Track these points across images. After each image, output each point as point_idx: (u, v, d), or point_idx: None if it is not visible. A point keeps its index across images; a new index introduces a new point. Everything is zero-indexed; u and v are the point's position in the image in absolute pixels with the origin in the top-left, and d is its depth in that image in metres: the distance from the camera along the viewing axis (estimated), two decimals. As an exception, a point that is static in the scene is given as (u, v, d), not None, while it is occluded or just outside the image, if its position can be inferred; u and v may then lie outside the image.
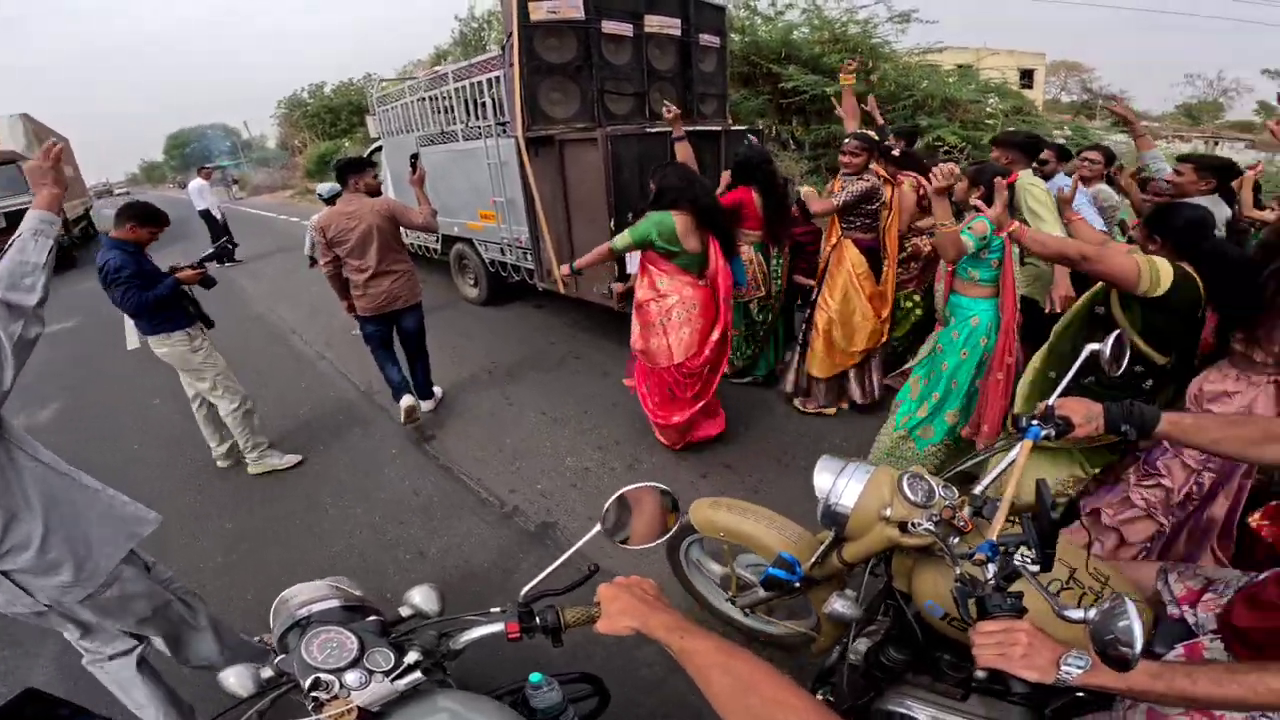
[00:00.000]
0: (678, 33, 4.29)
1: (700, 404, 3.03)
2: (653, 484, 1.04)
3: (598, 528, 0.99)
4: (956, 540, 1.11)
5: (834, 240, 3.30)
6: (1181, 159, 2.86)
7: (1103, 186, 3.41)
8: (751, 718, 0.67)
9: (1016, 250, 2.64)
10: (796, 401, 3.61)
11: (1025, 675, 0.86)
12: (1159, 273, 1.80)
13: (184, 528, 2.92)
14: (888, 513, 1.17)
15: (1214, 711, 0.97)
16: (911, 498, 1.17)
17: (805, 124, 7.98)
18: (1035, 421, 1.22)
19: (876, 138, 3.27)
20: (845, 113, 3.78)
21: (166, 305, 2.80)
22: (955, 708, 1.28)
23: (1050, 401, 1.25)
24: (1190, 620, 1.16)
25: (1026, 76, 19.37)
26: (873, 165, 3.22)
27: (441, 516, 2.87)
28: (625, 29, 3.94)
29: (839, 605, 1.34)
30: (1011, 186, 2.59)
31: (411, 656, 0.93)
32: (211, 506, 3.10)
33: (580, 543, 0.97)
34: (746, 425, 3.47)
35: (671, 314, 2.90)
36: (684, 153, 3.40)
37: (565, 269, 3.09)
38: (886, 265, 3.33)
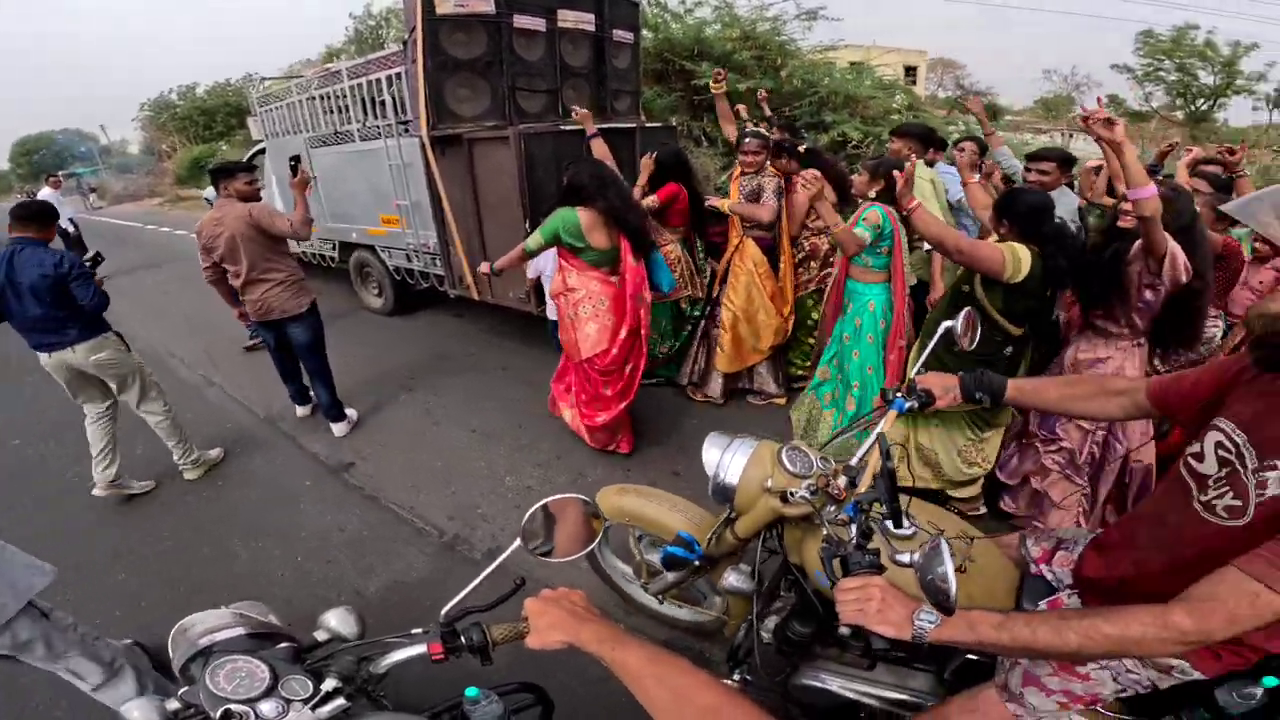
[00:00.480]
0: (592, 28, 4.33)
1: (624, 403, 3.11)
2: (573, 495, 1.04)
3: (518, 543, 0.98)
4: (833, 509, 1.21)
5: (736, 240, 3.43)
6: (1033, 156, 3.16)
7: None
8: None
9: (906, 238, 2.92)
10: (689, 390, 3.87)
11: (881, 630, 0.91)
12: (1020, 260, 2.07)
13: (66, 584, 2.58)
14: (769, 484, 1.26)
15: (1078, 668, 1.10)
16: (791, 469, 1.26)
17: (716, 122, 8.18)
18: (900, 394, 1.37)
19: (771, 135, 3.44)
20: (720, 117, 4.00)
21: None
22: (863, 676, 1.40)
23: (912, 375, 1.42)
24: (1050, 577, 1.31)
25: (910, 73, 21.03)
26: (769, 164, 3.38)
27: (375, 552, 2.72)
28: (538, 24, 3.94)
29: (733, 579, 1.44)
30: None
31: (330, 683, 0.92)
32: (101, 555, 2.77)
33: (501, 559, 0.95)
34: (696, 432, 3.50)
35: (579, 309, 2.96)
36: (600, 150, 3.46)
37: (486, 266, 3.11)
38: (783, 262, 3.51)
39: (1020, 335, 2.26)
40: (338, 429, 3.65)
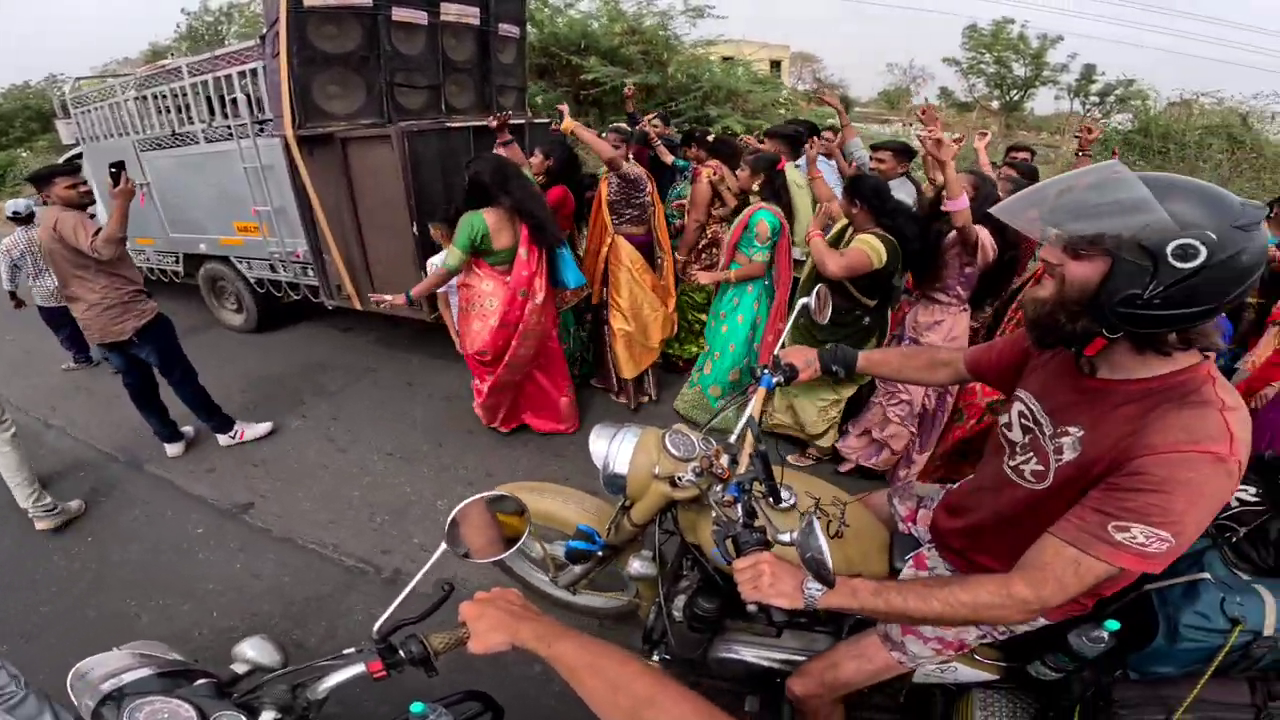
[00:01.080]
0: (476, 22, 4.21)
1: (499, 392, 3.25)
2: (493, 492, 1.03)
3: (443, 547, 0.97)
4: (720, 488, 1.30)
5: (607, 240, 3.44)
6: (875, 147, 3.61)
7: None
8: (623, 715, 0.70)
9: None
10: (620, 399, 3.84)
11: (777, 602, 0.98)
12: (879, 251, 2.42)
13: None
14: (657, 470, 1.32)
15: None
16: (675, 453, 1.33)
17: (602, 117, 8.25)
18: (767, 370, 1.49)
19: (630, 129, 3.55)
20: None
21: None
22: (773, 644, 1.51)
23: (776, 352, 1.55)
24: (915, 534, 1.47)
25: (776, 68, 22.23)
26: (630, 156, 3.47)
27: (307, 598, 2.46)
28: (418, 17, 3.78)
29: (637, 565, 1.48)
30: (781, 173, 3.08)
31: (268, 716, 0.88)
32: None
33: (427, 566, 0.94)
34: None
35: (469, 304, 3.05)
36: (516, 157, 3.35)
37: (399, 299, 3.03)
38: (663, 258, 3.58)
39: (874, 305, 2.66)
40: (224, 439, 3.43)
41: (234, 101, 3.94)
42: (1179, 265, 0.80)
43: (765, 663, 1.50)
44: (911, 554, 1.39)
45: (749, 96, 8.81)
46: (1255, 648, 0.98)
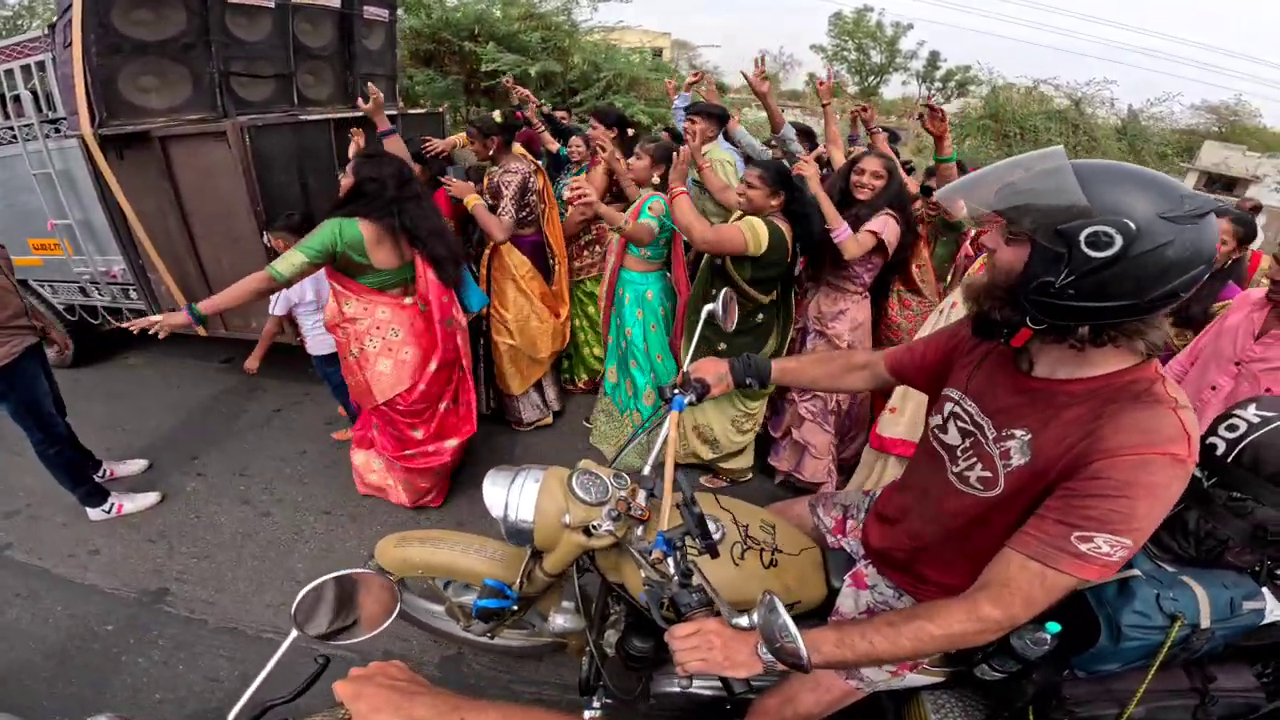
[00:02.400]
0: (336, 5, 3.80)
1: (440, 459, 2.68)
2: (347, 571, 0.92)
3: (294, 634, 0.84)
4: (640, 531, 1.18)
5: (490, 245, 3.02)
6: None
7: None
8: None
9: None
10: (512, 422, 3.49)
11: (732, 674, 0.90)
12: (759, 234, 2.27)
13: None
14: (567, 520, 1.18)
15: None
16: (585, 498, 1.19)
17: (494, 106, 7.82)
18: (677, 390, 1.37)
19: (499, 120, 3.05)
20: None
21: None
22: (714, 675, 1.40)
23: (685, 368, 1.43)
24: (848, 549, 1.40)
25: (657, 55, 22.46)
26: (515, 149, 3.07)
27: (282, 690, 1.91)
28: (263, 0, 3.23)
29: (560, 621, 1.36)
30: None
31: None
32: None
33: (278, 654, 0.79)
34: (526, 459, 3.20)
35: (364, 342, 2.45)
36: (396, 149, 2.84)
37: (180, 316, 2.18)
38: (556, 264, 3.23)
39: (769, 302, 2.52)
40: (95, 514, 2.80)
41: (16, 99, 3.30)
42: (1091, 254, 0.77)
43: (708, 693, 1.44)
44: (848, 572, 1.34)
45: (650, 84, 8.70)
46: (1194, 640, 1.00)
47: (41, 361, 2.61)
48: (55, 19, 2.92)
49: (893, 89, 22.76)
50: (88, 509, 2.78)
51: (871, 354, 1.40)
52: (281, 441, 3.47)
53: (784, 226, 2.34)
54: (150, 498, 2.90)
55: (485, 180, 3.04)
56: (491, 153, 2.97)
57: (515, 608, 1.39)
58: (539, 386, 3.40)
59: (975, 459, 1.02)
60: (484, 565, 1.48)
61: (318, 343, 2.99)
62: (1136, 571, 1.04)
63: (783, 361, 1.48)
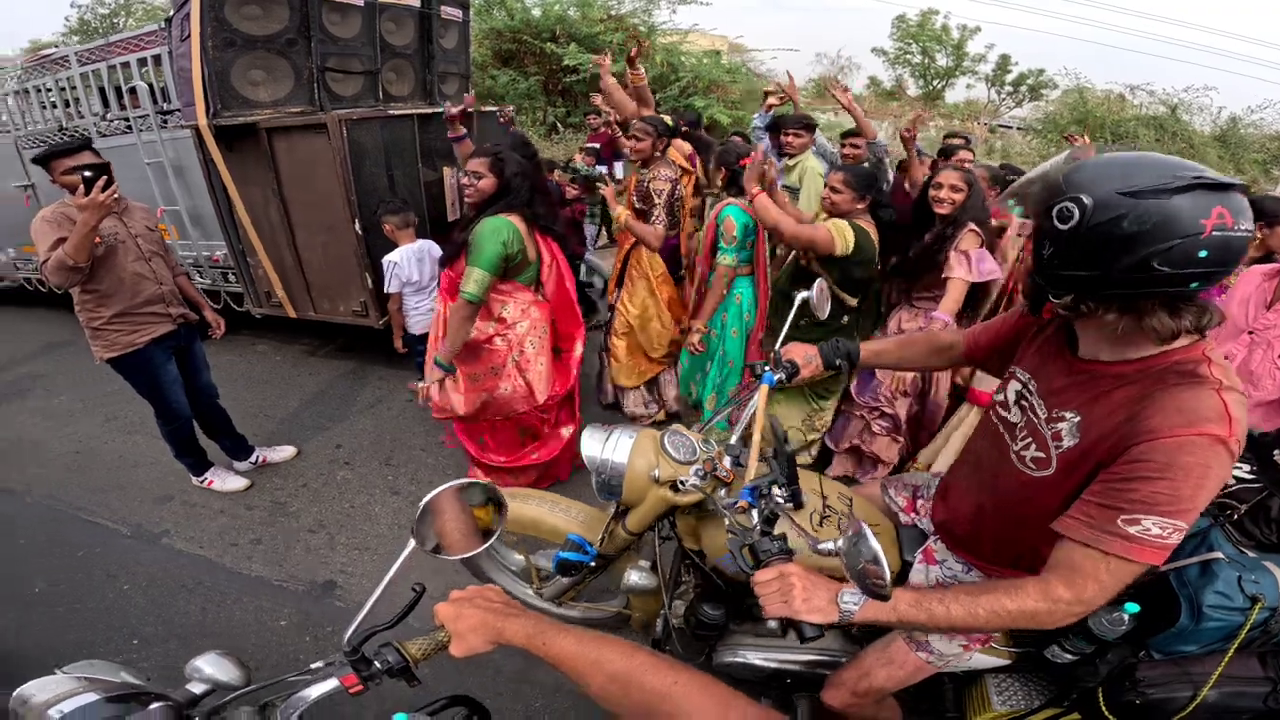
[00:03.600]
0: (417, 4, 4.04)
1: (560, 444, 2.70)
2: (465, 480, 1.00)
3: (412, 544, 0.92)
4: (724, 492, 1.25)
5: (631, 240, 3.05)
6: (848, 134, 3.56)
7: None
8: (636, 711, 0.68)
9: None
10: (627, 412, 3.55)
11: (811, 619, 0.93)
12: (846, 237, 2.31)
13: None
14: (656, 474, 1.25)
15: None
16: (675, 455, 1.26)
17: (576, 104, 8.05)
18: (768, 368, 1.43)
19: (670, 122, 3.05)
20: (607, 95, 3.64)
21: None
22: (781, 646, 1.47)
23: (776, 349, 1.50)
24: (920, 525, 1.45)
25: (716, 58, 22.45)
26: (670, 153, 3.03)
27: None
28: None
29: (635, 578, 1.42)
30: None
31: None
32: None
33: (395, 566, 0.88)
34: None
35: (525, 345, 2.43)
36: (465, 154, 3.02)
37: (434, 382, 2.36)
38: (685, 273, 3.26)
39: (855, 306, 2.52)
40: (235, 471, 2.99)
41: (132, 91, 3.65)
42: (1059, 226, 0.87)
43: (773, 666, 1.48)
44: (919, 548, 1.38)
45: (730, 86, 8.73)
46: (1273, 623, 1.03)
47: (174, 348, 2.69)
48: (171, 13, 3.23)
49: (957, 92, 22.09)
50: (194, 478, 2.98)
51: (956, 334, 1.45)
52: (418, 432, 3.50)
53: (871, 229, 2.38)
54: (240, 481, 3.02)
55: (632, 182, 3.06)
56: (649, 156, 2.90)
57: (592, 565, 1.47)
58: (654, 384, 3.44)
59: (1030, 439, 1.05)
60: (568, 523, 1.59)
61: (418, 321, 3.28)
62: (1219, 554, 1.08)
63: (869, 343, 1.53)
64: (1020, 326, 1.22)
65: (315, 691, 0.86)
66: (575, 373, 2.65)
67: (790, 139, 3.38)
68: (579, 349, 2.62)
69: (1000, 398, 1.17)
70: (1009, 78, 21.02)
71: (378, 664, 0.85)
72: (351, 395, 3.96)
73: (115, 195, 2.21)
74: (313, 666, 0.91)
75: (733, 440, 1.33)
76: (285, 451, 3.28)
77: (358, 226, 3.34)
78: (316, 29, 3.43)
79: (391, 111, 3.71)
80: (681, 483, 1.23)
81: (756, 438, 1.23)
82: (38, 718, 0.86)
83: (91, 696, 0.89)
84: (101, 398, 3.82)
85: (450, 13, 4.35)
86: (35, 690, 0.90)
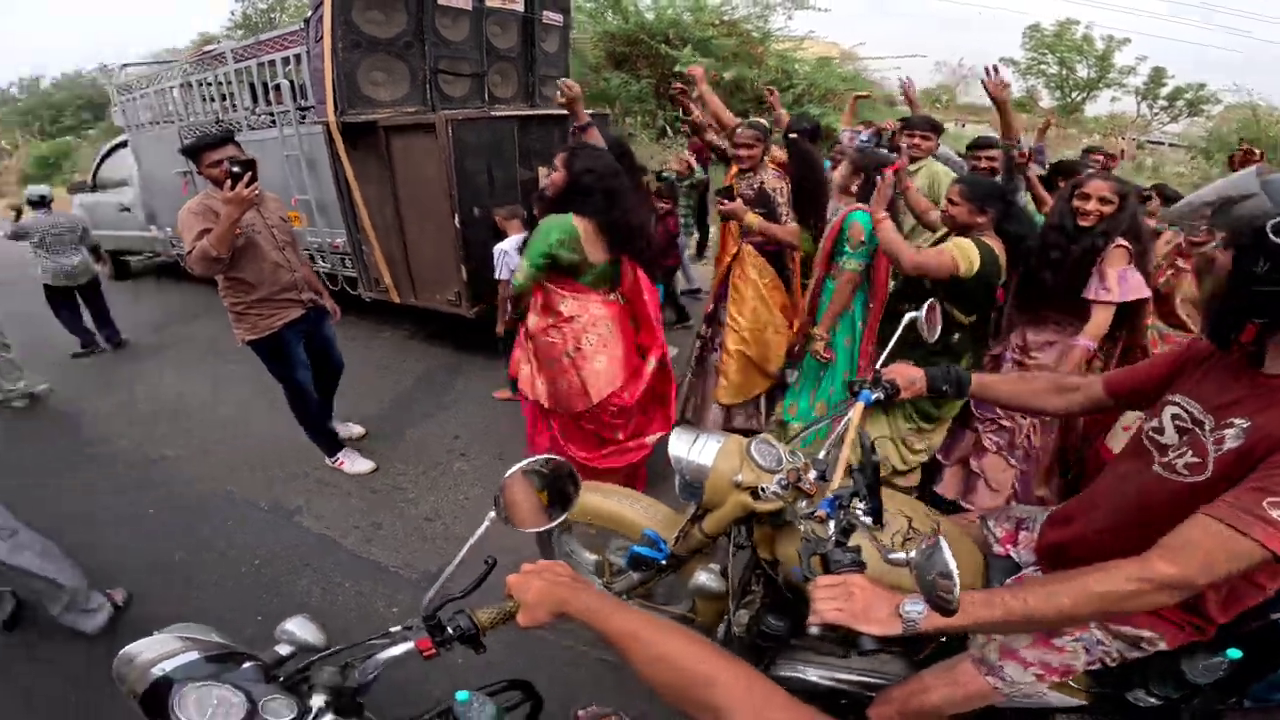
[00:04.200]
0: (520, 9, 4.22)
1: (642, 452, 2.62)
2: (545, 457, 1.02)
3: (492, 514, 0.95)
4: (805, 504, 1.23)
5: (734, 249, 2.95)
6: (976, 145, 3.29)
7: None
8: (688, 695, 0.68)
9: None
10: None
11: (868, 629, 0.91)
12: (970, 257, 2.16)
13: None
14: (739, 479, 1.26)
15: (1054, 640, 1.16)
16: (760, 463, 1.27)
17: (679, 113, 8.18)
18: (866, 386, 1.41)
19: (768, 126, 3.08)
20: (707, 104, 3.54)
21: None
22: (840, 665, 1.43)
23: (878, 366, 1.46)
24: (1016, 558, 1.38)
25: (828, 64, 21.94)
26: (767, 159, 2.98)
27: None
28: (463, 2, 3.79)
29: (703, 578, 1.43)
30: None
31: (318, 700, 0.89)
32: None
33: (474, 538, 0.92)
34: None
35: (582, 340, 2.41)
36: (594, 140, 2.82)
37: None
38: (792, 267, 3.09)
39: (969, 323, 2.35)
40: (328, 462, 3.07)
41: (277, 88, 3.98)
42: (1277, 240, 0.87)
43: (830, 684, 1.43)
44: (1011, 577, 1.30)
45: (845, 96, 8.53)
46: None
47: (304, 331, 2.83)
48: (309, 14, 3.51)
49: (1098, 105, 20.19)
50: (327, 458, 3.11)
51: (1084, 377, 1.39)
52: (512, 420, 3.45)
53: (996, 245, 2.19)
54: (367, 464, 3.10)
55: (735, 188, 3.01)
56: (757, 162, 2.87)
57: (664, 562, 1.48)
58: (756, 400, 3.21)
59: (1187, 449, 1.04)
60: (645, 519, 1.61)
61: None
62: None
63: (983, 375, 1.47)
64: (1183, 359, 1.17)
65: (391, 653, 0.92)
66: (646, 385, 2.55)
67: (918, 141, 3.18)
68: (652, 363, 2.56)
69: (1153, 424, 1.13)
70: (1164, 91, 19.02)
71: (450, 629, 0.89)
72: (470, 389, 3.97)
73: (257, 190, 2.35)
74: (390, 630, 0.96)
75: (821, 454, 1.32)
76: (354, 430, 3.38)
77: (457, 221, 3.52)
78: (430, 32, 3.66)
79: (493, 113, 3.91)
80: (762, 489, 1.22)
81: (845, 452, 1.21)
82: (140, 675, 0.94)
83: (193, 655, 0.97)
84: (251, 373, 3.85)
85: (551, 18, 4.51)
86: (140, 649, 0.99)
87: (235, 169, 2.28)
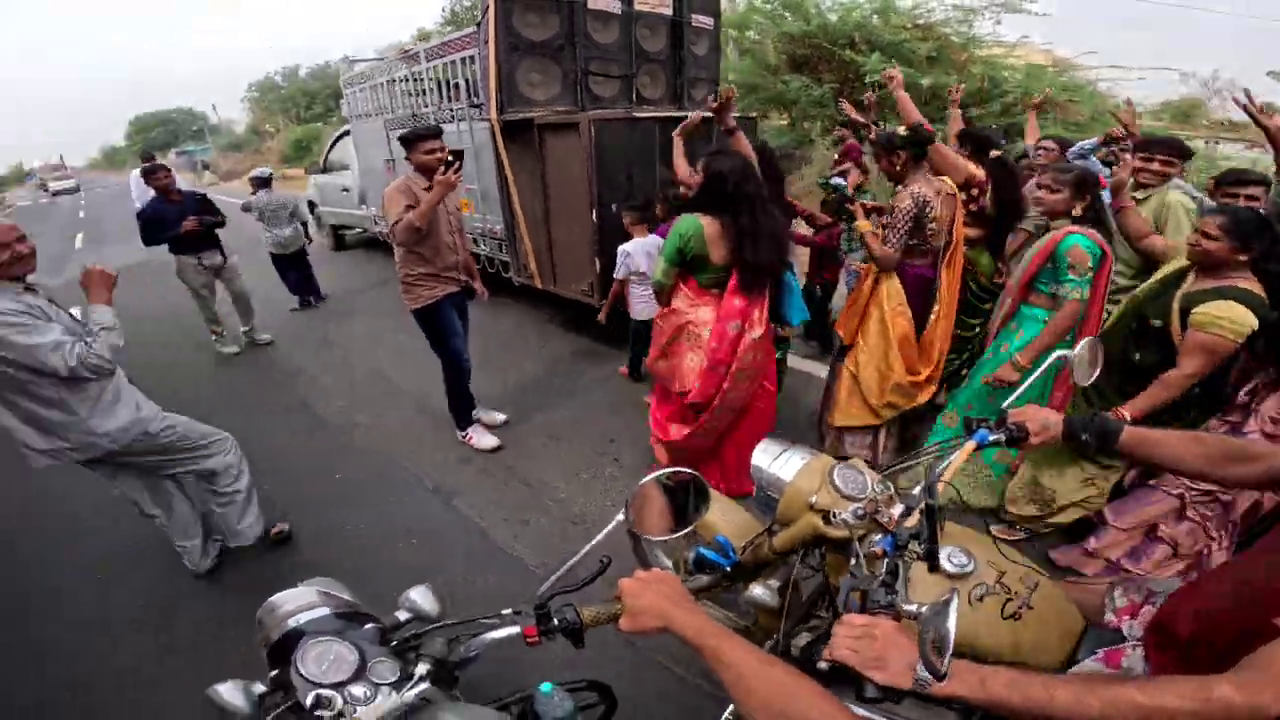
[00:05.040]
0: (669, 12, 4.31)
1: (701, 438, 2.69)
2: (676, 469, 1.06)
3: (620, 518, 1.00)
4: (877, 538, 1.15)
5: (872, 269, 2.72)
6: (1230, 181, 2.70)
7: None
8: None
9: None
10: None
11: (873, 676, 0.86)
12: (1239, 327, 1.89)
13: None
14: (814, 500, 1.21)
15: None
16: (841, 488, 1.20)
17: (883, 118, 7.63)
18: (986, 426, 1.28)
19: (904, 134, 2.68)
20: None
21: None
22: (889, 710, 1.28)
23: (1005, 407, 1.32)
24: (1125, 630, 1.20)
25: (1040, 71, 19.35)
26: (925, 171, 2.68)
27: None
28: (613, 6, 3.98)
29: (758, 591, 1.39)
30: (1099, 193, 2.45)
31: (421, 667, 0.93)
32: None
33: (604, 532, 0.98)
34: None
35: (682, 335, 2.58)
36: (743, 149, 2.78)
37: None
38: (937, 310, 2.68)
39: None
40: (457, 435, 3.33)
41: (457, 86, 4.42)
42: None
43: None
44: (1104, 649, 1.12)
45: (1069, 106, 7.49)
46: None
47: (459, 308, 3.12)
48: (479, 17, 3.84)
49: None
50: (458, 432, 3.34)
51: (1271, 447, 1.13)
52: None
53: (1257, 291, 1.90)
54: (492, 440, 3.28)
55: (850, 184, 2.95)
56: (898, 169, 2.66)
57: (728, 569, 1.46)
58: (875, 431, 2.96)
59: None
60: (721, 523, 1.61)
61: (641, 309, 3.49)
62: None
63: (1140, 430, 1.23)
64: None
65: (496, 635, 0.98)
66: (699, 388, 2.60)
67: (1159, 165, 2.72)
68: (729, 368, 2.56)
69: None
70: None
71: (556, 620, 0.93)
72: (625, 395, 3.86)
73: (460, 178, 2.71)
74: (502, 613, 1.02)
75: (916, 490, 1.20)
76: (497, 417, 3.52)
77: (594, 216, 3.72)
78: (581, 35, 3.86)
79: (635, 114, 4.03)
80: (834, 515, 1.17)
81: (939, 489, 1.11)
82: (278, 623, 1.06)
83: (324, 611, 1.07)
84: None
85: (702, 21, 4.53)
86: (284, 600, 1.09)
87: (450, 159, 2.69)
